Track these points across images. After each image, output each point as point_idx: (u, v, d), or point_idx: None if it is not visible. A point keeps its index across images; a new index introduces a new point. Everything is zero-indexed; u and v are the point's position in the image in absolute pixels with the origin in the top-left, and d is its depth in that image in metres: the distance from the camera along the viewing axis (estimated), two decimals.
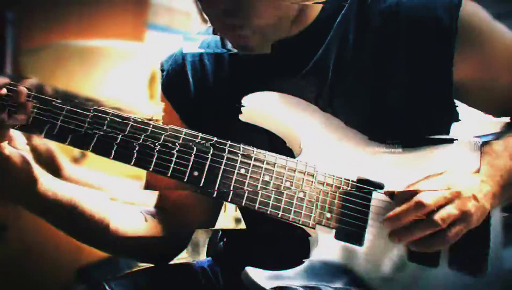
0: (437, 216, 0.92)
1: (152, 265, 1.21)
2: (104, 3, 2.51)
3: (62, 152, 1.50)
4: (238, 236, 1.25)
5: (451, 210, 0.93)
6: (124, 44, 2.56)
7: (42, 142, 1.24)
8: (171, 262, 1.24)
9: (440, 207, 0.93)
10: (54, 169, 1.37)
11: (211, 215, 1.24)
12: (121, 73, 2.42)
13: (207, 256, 1.34)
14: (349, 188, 1.02)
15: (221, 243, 1.31)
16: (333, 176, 1.02)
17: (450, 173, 1.00)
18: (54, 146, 1.35)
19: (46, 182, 0.99)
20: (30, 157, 0.97)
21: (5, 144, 0.93)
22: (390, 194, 1.00)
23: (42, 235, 2.05)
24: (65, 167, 1.44)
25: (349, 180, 1.03)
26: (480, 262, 1.03)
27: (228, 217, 1.29)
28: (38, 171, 0.98)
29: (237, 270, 1.02)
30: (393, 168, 1.05)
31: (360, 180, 1.03)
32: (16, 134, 0.97)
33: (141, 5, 2.67)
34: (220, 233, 1.33)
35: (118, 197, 1.18)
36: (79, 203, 1.04)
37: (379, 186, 1.03)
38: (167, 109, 1.20)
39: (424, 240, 0.95)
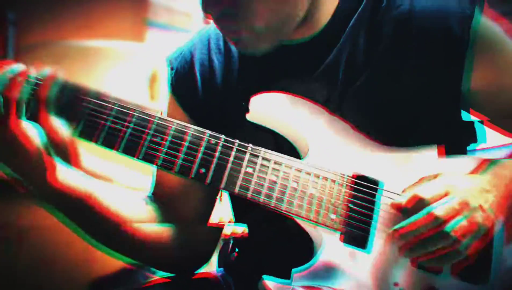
0: (449, 228, 0.90)
1: (170, 275, 1.20)
2: (105, 3, 2.51)
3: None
4: (251, 247, 1.24)
5: (462, 222, 0.91)
6: (124, 44, 2.56)
7: (61, 133, 1.23)
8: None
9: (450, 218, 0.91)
10: (71, 159, 1.36)
11: (206, 203, 1.23)
12: (121, 74, 2.41)
13: (219, 267, 1.33)
14: (345, 183, 1.01)
15: (233, 253, 1.30)
16: (329, 170, 1.02)
17: (446, 176, 0.99)
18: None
19: (62, 171, 0.99)
20: (48, 145, 0.96)
21: (18, 124, 0.93)
22: (398, 207, 0.98)
23: (55, 247, 2.05)
24: (83, 158, 1.42)
25: (344, 174, 1.02)
26: (482, 271, 1.01)
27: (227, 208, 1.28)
28: (54, 161, 0.97)
29: (250, 281, 1.02)
30: (397, 171, 1.04)
31: (357, 176, 1.03)
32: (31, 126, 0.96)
33: (141, 5, 2.67)
34: (232, 243, 1.32)
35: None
36: (94, 195, 1.03)
37: (375, 183, 1.02)
38: (174, 107, 1.19)
39: (437, 254, 0.93)
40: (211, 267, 1.38)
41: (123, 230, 1.08)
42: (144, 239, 1.11)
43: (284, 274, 0.98)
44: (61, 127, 0.97)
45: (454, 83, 1.05)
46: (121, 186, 1.15)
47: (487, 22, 1.06)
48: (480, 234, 0.93)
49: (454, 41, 1.03)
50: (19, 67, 0.95)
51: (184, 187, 1.16)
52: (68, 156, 0.98)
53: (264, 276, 0.98)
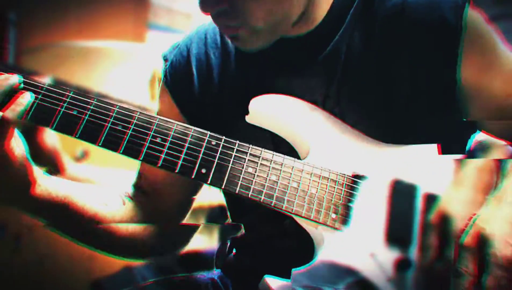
0: None
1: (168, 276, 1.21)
2: (105, 3, 2.52)
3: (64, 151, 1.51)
4: (249, 248, 1.24)
5: None
6: (124, 44, 2.57)
7: (47, 140, 1.23)
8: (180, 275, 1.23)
9: None
10: (56, 167, 1.36)
11: (187, 195, 1.23)
12: (122, 74, 2.42)
13: (216, 268, 1.32)
14: (345, 182, 1.01)
15: (231, 254, 1.29)
16: (329, 170, 1.02)
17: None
18: (58, 145, 1.34)
19: (42, 183, 0.99)
20: (29, 158, 0.96)
21: (10, 142, 0.92)
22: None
23: (56, 246, 2.06)
24: (67, 166, 1.43)
25: (344, 174, 1.02)
26: None
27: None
28: (36, 173, 0.98)
29: (248, 282, 1.02)
30: (397, 169, 1.04)
31: (356, 176, 1.03)
32: (15, 134, 0.95)
33: (141, 6, 2.68)
34: (229, 244, 1.32)
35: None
36: (73, 200, 1.04)
37: None
38: (166, 101, 1.19)
39: None
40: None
41: (101, 229, 1.09)
42: (123, 235, 1.13)
43: (282, 275, 0.98)
44: (47, 136, 0.96)
45: (449, 72, 1.05)
46: (102, 185, 1.15)
47: (478, 15, 1.06)
48: None
49: (448, 31, 1.03)
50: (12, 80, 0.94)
51: (168, 179, 1.16)
52: (53, 164, 0.97)
53: (266, 276, 0.98)
